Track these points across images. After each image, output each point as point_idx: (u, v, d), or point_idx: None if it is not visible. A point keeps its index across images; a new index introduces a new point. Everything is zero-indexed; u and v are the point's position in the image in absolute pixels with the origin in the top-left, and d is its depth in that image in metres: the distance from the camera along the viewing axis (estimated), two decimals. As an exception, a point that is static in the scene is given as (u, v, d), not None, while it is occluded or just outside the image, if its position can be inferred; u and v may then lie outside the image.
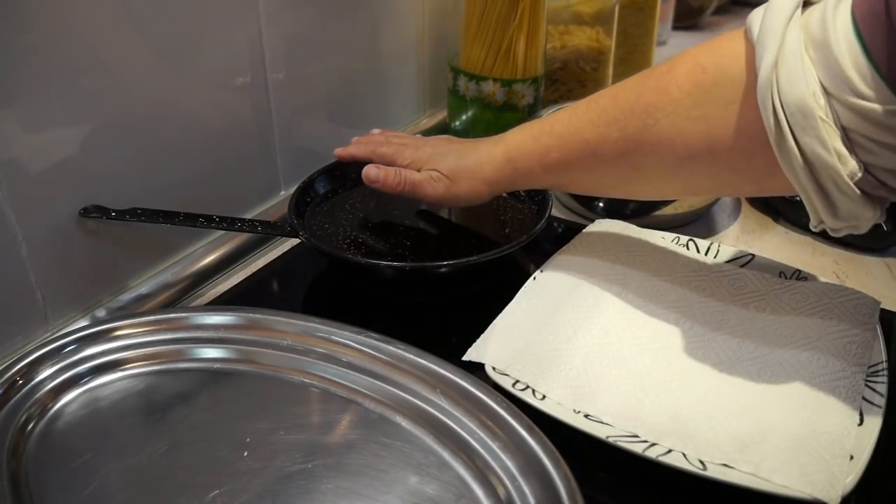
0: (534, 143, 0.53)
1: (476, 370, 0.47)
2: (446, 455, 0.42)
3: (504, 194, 0.68)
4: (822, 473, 0.40)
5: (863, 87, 0.37)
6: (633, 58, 1.04)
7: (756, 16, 0.41)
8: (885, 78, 0.36)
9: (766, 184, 0.45)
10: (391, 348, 0.47)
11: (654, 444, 0.42)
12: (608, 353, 0.50)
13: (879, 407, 0.44)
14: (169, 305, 0.59)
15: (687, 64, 0.45)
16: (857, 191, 0.39)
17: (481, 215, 0.65)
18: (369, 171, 0.58)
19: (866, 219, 0.41)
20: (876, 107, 0.37)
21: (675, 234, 0.62)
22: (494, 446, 0.42)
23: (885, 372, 0.47)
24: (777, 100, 0.39)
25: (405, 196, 0.58)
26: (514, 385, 0.46)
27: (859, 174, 0.39)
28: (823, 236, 0.68)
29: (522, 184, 0.56)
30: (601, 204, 0.70)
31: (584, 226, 0.64)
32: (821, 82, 0.38)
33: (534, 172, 0.54)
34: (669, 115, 0.45)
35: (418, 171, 0.57)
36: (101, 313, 0.55)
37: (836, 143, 0.38)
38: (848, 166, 0.39)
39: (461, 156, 0.56)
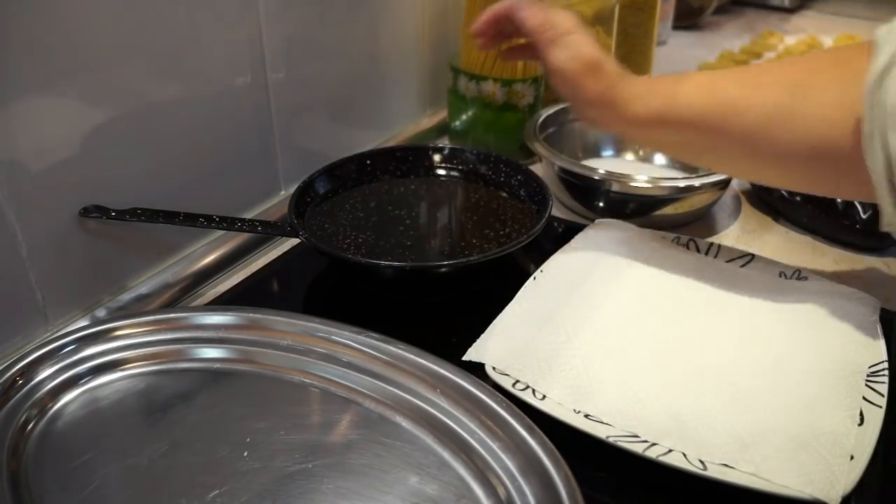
0: (673, 85, 0.51)
1: (476, 370, 0.47)
2: (446, 455, 0.42)
3: (504, 194, 0.68)
4: (823, 473, 0.40)
5: None
6: (633, 58, 1.04)
7: (884, 26, 0.43)
8: None
9: None
10: (391, 348, 0.47)
11: (654, 444, 0.43)
12: (608, 353, 0.50)
13: (879, 407, 0.44)
14: (169, 305, 0.59)
15: (833, 55, 0.48)
16: None
17: (481, 215, 0.65)
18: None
19: None
20: None
21: (675, 234, 0.62)
22: (494, 446, 0.42)
23: (886, 372, 0.47)
24: (879, 98, 0.41)
25: (538, 46, 0.55)
26: (514, 385, 0.46)
27: None
28: (823, 236, 0.69)
29: (645, 126, 0.53)
30: (601, 204, 0.70)
31: (584, 226, 0.64)
32: None
33: (664, 115, 0.51)
34: (819, 97, 0.46)
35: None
36: (101, 313, 0.55)
37: None
38: None
39: (603, 60, 0.53)
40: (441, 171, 0.72)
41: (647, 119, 0.52)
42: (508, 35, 0.61)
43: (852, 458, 0.41)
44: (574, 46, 0.53)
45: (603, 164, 0.74)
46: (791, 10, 1.45)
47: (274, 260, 0.66)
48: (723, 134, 0.50)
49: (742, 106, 0.48)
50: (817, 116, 0.46)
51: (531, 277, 0.57)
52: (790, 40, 1.22)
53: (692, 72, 0.52)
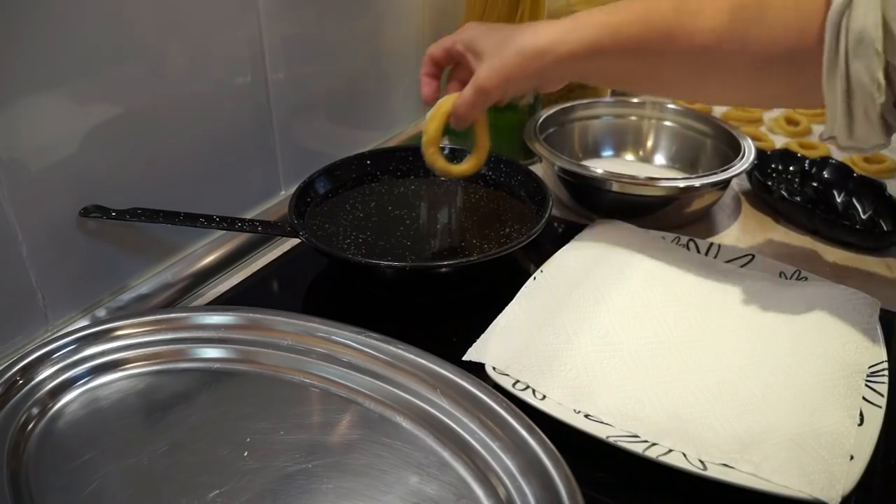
0: (607, 15, 0.49)
1: (476, 370, 0.47)
2: (446, 455, 0.42)
3: (504, 194, 0.68)
4: (822, 473, 0.40)
5: None
6: (633, 58, 1.04)
7: None
8: None
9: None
10: (391, 348, 0.47)
11: (654, 444, 0.43)
12: (608, 353, 0.50)
13: (879, 407, 0.44)
14: (169, 305, 0.59)
15: None
16: (880, 121, 0.42)
17: (481, 215, 0.65)
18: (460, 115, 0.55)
19: (875, 144, 0.44)
20: None
21: (675, 234, 0.62)
22: (495, 446, 0.42)
23: (885, 372, 0.47)
24: (844, 25, 0.41)
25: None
26: (514, 385, 0.46)
27: (889, 107, 0.42)
28: (823, 236, 0.69)
29: (583, 58, 0.50)
30: (601, 204, 0.70)
31: (584, 226, 0.64)
32: (885, 16, 0.40)
33: (601, 44, 0.49)
34: (760, 20, 0.45)
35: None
36: (101, 313, 0.55)
37: (881, 75, 0.41)
38: (883, 98, 0.41)
39: (515, 30, 0.53)
40: (441, 171, 0.72)
41: (584, 52, 0.49)
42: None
43: (852, 458, 0.41)
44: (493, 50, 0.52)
45: (603, 164, 0.74)
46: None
47: (274, 260, 0.66)
48: (661, 60, 0.49)
49: (679, 32, 0.47)
50: (763, 39, 0.45)
51: (531, 277, 0.57)
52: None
53: (624, 1, 0.50)
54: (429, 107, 0.57)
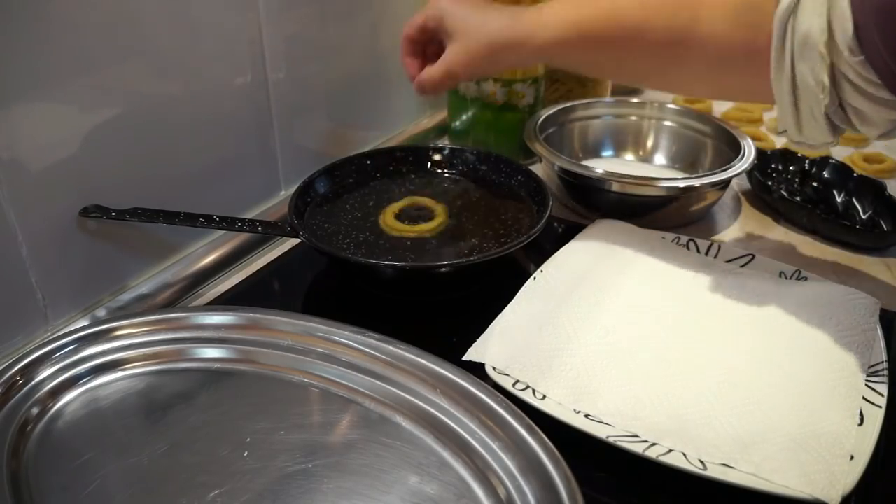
0: (575, 11, 0.51)
1: (476, 370, 0.47)
2: (447, 455, 0.42)
3: (504, 194, 0.68)
4: (823, 473, 0.40)
5: (842, 32, 0.40)
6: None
7: None
8: (855, 26, 0.39)
9: None
10: (391, 348, 0.47)
11: (654, 444, 0.43)
12: (608, 353, 0.50)
13: (879, 407, 0.44)
14: (169, 305, 0.59)
15: None
16: (826, 121, 0.43)
17: (481, 215, 0.65)
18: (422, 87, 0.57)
19: (823, 142, 0.45)
20: (846, 53, 0.40)
21: (675, 234, 0.62)
22: (495, 446, 0.42)
23: (885, 372, 0.47)
24: (790, 27, 0.42)
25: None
26: (514, 385, 0.46)
27: (834, 108, 0.42)
28: (823, 236, 0.69)
29: (553, 53, 0.53)
30: (601, 204, 0.70)
31: (584, 226, 0.64)
32: (829, 19, 0.41)
33: (569, 40, 0.51)
34: (721, 17, 0.47)
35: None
36: (101, 313, 0.55)
37: (825, 77, 0.42)
38: (827, 99, 0.42)
39: (485, 16, 0.54)
40: (441, 171, 0.72)
41: (554, 45, 0.52)
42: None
43: (852, 458, 0.41)
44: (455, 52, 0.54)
45: (603, 164, 0.74)
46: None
47: (274, 260, 0.66)
48: (628, 54, 0.51)
49: (645, 28, 0.49)
50: (722, 36, 0.47)
51: (531, 277, 0.57)
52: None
53: None
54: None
